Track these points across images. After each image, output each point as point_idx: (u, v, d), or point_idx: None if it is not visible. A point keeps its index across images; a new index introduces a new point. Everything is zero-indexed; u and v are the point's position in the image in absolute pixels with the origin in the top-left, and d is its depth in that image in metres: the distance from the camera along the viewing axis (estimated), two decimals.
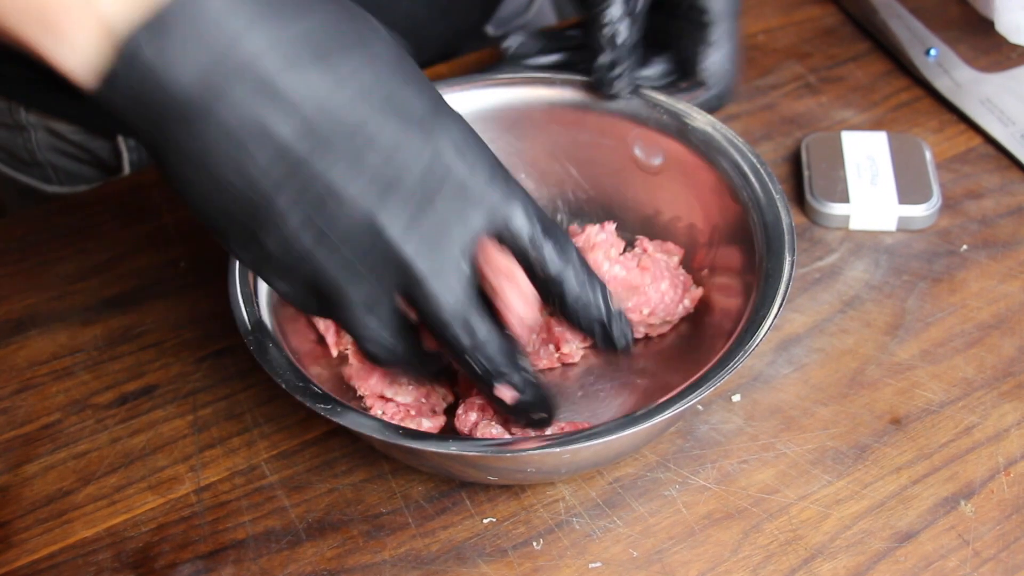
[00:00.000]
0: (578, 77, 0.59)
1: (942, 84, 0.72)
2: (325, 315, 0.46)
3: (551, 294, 0.46)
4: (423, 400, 0.52)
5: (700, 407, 0.54)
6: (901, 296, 0.59)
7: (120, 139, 0.76)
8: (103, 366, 0.58)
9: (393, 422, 0.48)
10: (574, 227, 0.59)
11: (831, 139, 0.67)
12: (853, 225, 0.63)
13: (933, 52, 0.73)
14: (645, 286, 0.54)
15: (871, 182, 0.64)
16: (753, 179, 0.53)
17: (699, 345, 0.55)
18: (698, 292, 0.56)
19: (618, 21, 0.54)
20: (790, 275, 0.49)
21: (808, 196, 0.64)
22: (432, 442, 0.44)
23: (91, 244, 0.65)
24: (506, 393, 0.46)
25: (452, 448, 0.44)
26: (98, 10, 0.38)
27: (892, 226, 0.63)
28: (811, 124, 0.70)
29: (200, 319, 0.60)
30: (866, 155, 0.65)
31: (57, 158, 0.78)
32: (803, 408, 0.54)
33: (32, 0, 0.38)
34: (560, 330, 0.54)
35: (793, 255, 0.50)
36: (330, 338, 0.55)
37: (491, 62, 0.76)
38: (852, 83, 0.73)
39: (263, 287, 0.51)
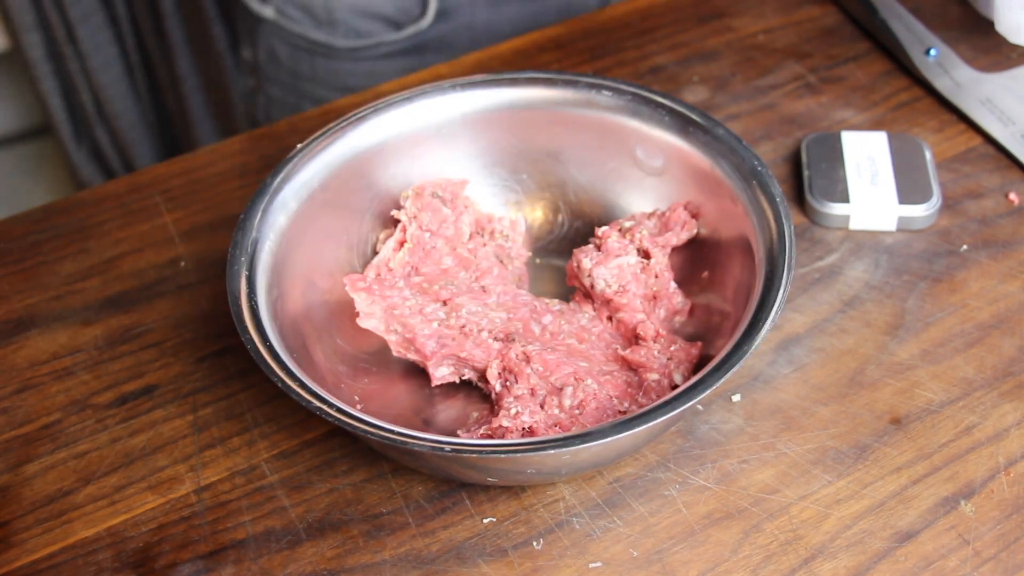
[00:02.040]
0: (580, 78, 0.59)
1: (942, 84, 0.72)
2: None
3: None
4: None
5: (700, 407, 0.54)
6: (901, 296, 0.59)
7: None
8: (103, 366, 0.58)
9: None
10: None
11: (831, 139, 0.67)
12: (853, 225, 0.63)
13: (933, 52, 0.73)
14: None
15: (871, 182, 0.64)
16: (753, 180, 0.54)
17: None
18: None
19: None
20: (789, 275, 0.49)
21: (808, 196, 0.64)
22: (430, 443, 0.44)
23: (91, 244, 0.65)
24: None
25: (448, 450, 0.44)
26: None
27: (892, 226, 0.63)
28: (811, 124, 0.70)
29: (200, 319, 0.60)
30: (866, 155, 0.65)
31: (351, 17, 0.89)
32: (803, 408, 0.54)
33: None
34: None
35: (792, 255, 0.50)
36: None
37: (492, 63, 0.76)
38: (852, 83, 0.73)
39: (263, 287, 0.51)
